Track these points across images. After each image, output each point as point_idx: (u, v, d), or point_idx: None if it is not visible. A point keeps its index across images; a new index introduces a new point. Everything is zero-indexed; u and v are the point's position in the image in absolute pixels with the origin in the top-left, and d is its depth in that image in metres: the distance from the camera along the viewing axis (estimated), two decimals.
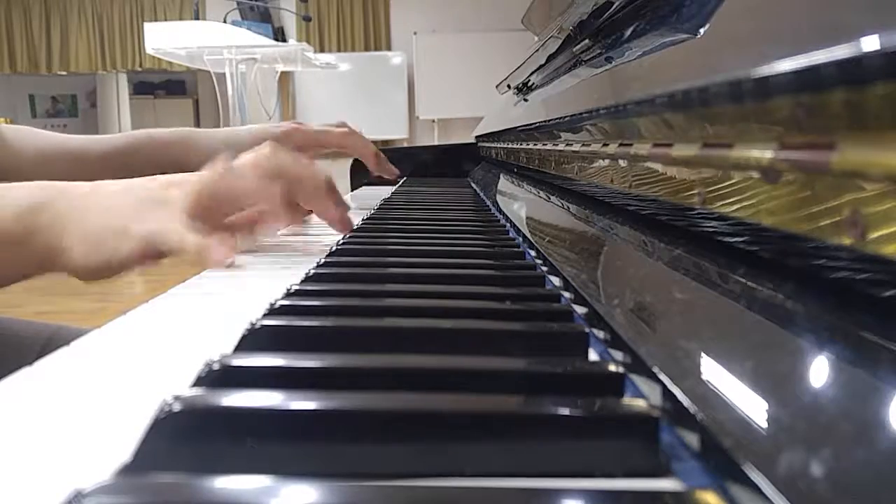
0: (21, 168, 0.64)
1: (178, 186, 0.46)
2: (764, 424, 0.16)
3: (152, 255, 0.43)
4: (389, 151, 1.57)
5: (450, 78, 5.91)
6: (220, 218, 0.48)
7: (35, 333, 0.64)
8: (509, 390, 0.22)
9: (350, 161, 1.45)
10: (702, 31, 0.28)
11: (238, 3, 4.62)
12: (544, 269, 0.43)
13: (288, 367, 0.23)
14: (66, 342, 0.29)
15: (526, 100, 0.95)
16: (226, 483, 0.16)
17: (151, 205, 0.44)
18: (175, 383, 0.22)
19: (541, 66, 0.88)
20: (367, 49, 6.17)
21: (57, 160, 0.68)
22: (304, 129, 0.78)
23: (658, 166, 0.31)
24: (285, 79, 5.68)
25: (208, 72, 3.55)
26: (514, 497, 0.16)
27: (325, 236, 0.60)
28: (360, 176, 1.42)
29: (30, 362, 0.26)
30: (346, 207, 0.55)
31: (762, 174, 0.20)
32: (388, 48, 6.21)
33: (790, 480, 0.14)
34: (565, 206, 0.53)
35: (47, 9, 6.39)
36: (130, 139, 0.74)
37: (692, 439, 0.19)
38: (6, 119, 7.29)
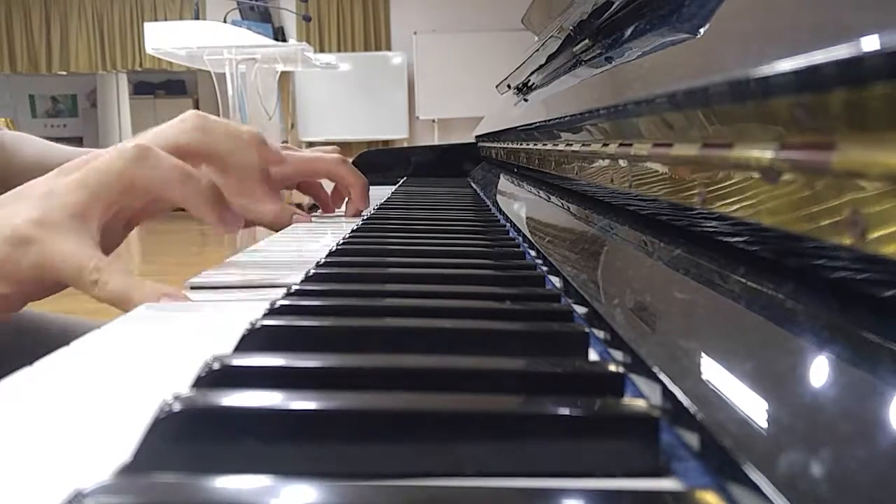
0: (14, 176, 0.63)
1: (64, 174, 0.39)
2: (764, 424, 0.16)
3: (49, 282, 0.37)
4: (389, 151, 1.57)
5: (450, 78, 5.92)
6: (124, 212, 0.42)
7: (38, 334, 0.64)
8: (509, 390, 0.22)
9: (352, 160, 1.45)
10: (702, 31, 0.28)
11: (238, 3, 4.62)
12: (544, 269, 0.43)
13: (288, 367, 0.23)
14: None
15: (526, 100, 0.95)
16: (226, 483, 0.16)
17: (43, 200, 0.37)
18: (175, 383, 0.22)
19: (541, 66, 0.88)
20: (367, 49, 6.18)
21: (45, 171, 0.67)
22: (293, 154, 0.74)
23: (658, 166, 0.31)
24: (285, 79, 5.67)
25: (208, 72, 3.55)
26: (514, 497, 0.16)
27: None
28: None
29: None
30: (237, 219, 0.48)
31: (762, 174, 0.20)
32: (388, 48, 6.21)
33: (790, 480, 0.14)
34: (565, 206, 0.53)
35: (47, 9, 6.39)
36: None
37: (692, 439, 0.19)
38: (6, 119, 7.30)
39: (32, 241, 0.36)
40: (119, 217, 0.43)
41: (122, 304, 0.36)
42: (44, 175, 0.40)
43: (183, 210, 0.47)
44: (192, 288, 0.38)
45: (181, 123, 0.51)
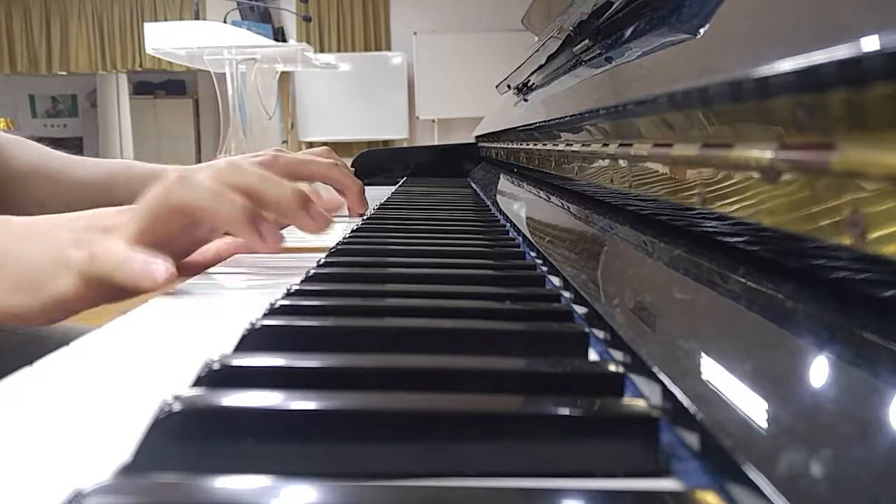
0: (10, 181, 0.63)
1: (125, 213, 0.40)
2: (764, 424, 0.16)
3: (94, 288, 0.37)
4: (389, 151, 1.57)
5: (450, 78, 5.92)
6: (178, 240, 0.41)
7: (38, 335, 0.64)
8: (509, 390, 0.22)
9: (352, 160, 1.45)
10: (702, 31, 0.28)
11: (238, 3, 4.62)
12: (544, 269, 0.43)
13: (288, 367, 0.23)
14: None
15: (526, 100, 0.95)
16: (226, 483, 0.16)
17: (94, 233, 0.38)
18: (175, 383, 0.22)
19: (541, 67, 0.88)
20: (366, 49, 6.17)
21: (41, 178, 0.64)
22: (285, 158, 0.74)
23: (658, 166, 0.31)
24: (285, 79, 5.68)
25: (208, 72, 3.55)
26: (514, 497, 0.16)
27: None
28: (361, 176, 1.41)
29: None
30: (326, 217, 0.49)
31: (762, 174, 0.20)
32: (388, 48, 6.21)
33: (790, 480, 0.14)
34: (565, 206, 0.53)
35: (47, 9, 6.39)
36: (110, 169, 0.70)
37: (692, 439, 0.19)
38: (6, 119, 7.29)
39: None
40: (177, 254, 0.43)
41: (118, 274, 0.36)
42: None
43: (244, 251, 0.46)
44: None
45: (212, 166, 0.50)
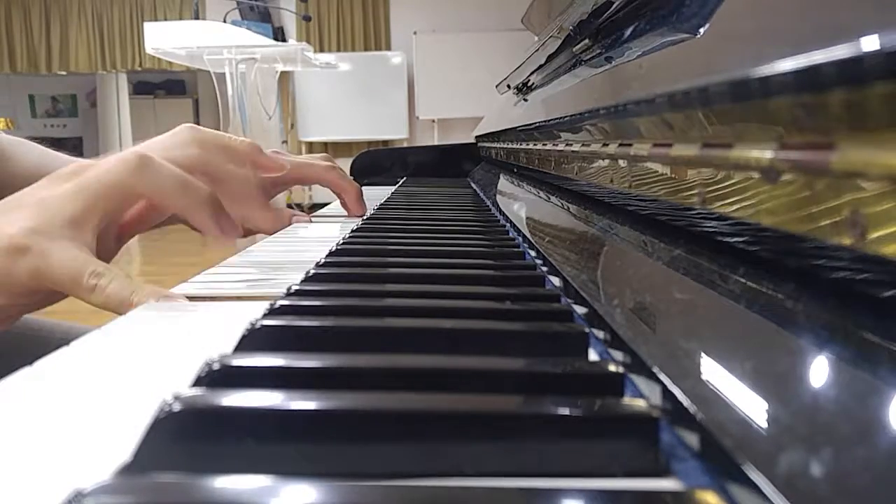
0: (12, 184, 0.62)
1: (75, 176, 0.38)
2: (764, 424, 0.16)
3: (45, 288, 0.37)
4: (389, 151, 1.57)
5: (450, 78, 5.92)
6: (121, 222, 0.41)
7: (49, 332, 0.63)
8: (509, 390, 0.22)
9: (352, 160, 1.45)
10: (702, 31, 0.28)
11: (238, 3, 4.62)
12: (544, 269, 0.43)
13: (288, 367, 0.23)
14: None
15: (526, 100, 0.95)
16: (226, 483, 0.16)
17: (39, 210, 0.37)
18: (175, 383, 0.22)
19: (541, 66, 0.88)
20: (366, 49, 6.17)
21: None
22: (284, 160, 0.74)
23: (658, 166, 0.31)
24: (285, 79, 5.68)
25: (208, 72, 3.55)
26: (514, 497, 0.16)
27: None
28: (360, 176, 1.42)
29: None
30: (283, 219, 0.48)
31: (762, 174, 0.20)
32: (388, 48, 6.21)
33: (790, 480, 0.14)
34: (565, 206, 0.53)
35: (47, 9, 6.39)
36: None
37: (692, 439, 0.19)
38: (6, 119, 7.29)
39: (28, 250, 0.36)
40: (111, 227, 0.43)
41: (122, 309, 0.36)
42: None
43: (176, 223, 0.46)
44: (190, 298, 0.38)
45: (174, 137, 0.51)
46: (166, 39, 3.35)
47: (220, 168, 0.52)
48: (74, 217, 0.37)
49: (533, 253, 0.49)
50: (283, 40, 4.34)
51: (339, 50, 6.06)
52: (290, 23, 5.92)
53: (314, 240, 0.62)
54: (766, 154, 0.20)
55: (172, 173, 0.40)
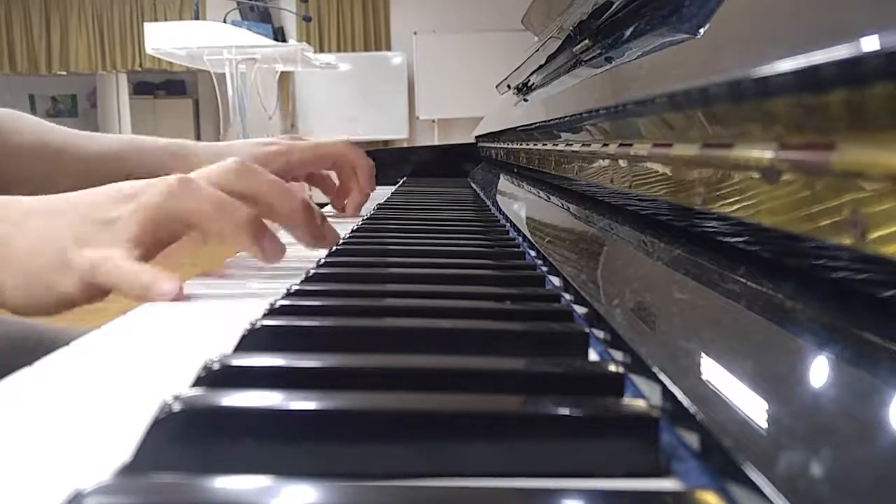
0: (11, 156, 0.61)
1: (129, 201, 0.39)
2: (764, 424, 0.16)
3: (95, 292, 0.38)
4: (389, 151, 1.57)
5: (450, 78, 5.91)
6: (171, 240, 0.41)
7: (49, 332, 0.63)
8: (509, 390, 0.22)
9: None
10: (702, 31, 0.28)
11: (238, 3, 4.62)
12: (544, 269, 0.43)
13: (288, 367, 0.22)
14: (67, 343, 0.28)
15: (526, 100, 0.95)
16: (226, 483, 0.16)
17: (93, 228, 0.38)
18: (175, 383, 0.22)
19: (541, 67, 0.88)
20: (366, 49, 6.17)
21: (43, 154, 0.63)
22: (301, 145, 0.71)
23: (658, 166, 0.31)
24: (285, 79, 5.67)
25: (208, 72, 3.55)
26: (514, 497, 0.16)
27: None
28: None
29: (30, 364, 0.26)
30: (328, 229, 0.47)
31: (762, 174, 0.20)
32: (388, 48, 6.21)
33: (790, 480, 0.14)
34: (565, 206, 0.53)
35: (47, 9, 6.39)
36: (122, 141, 0.70)
37: (692, 439, 0.19)
38: None
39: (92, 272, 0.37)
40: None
41: (129, 286, 0.36)
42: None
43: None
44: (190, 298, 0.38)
45: (221, 168, 0.50)
46: (166, 39, 3.35)
47: (268, 199, 0.51)
48: (131, 244, 0.38)
49: (533, 253, 0.49)
50: (283, 40, 4.34)
51: (339, 50, 6.06)
52: (290, 23, 5.91)
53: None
54: (766, 154, 0.20)
55: (209, 194, 0.40)
